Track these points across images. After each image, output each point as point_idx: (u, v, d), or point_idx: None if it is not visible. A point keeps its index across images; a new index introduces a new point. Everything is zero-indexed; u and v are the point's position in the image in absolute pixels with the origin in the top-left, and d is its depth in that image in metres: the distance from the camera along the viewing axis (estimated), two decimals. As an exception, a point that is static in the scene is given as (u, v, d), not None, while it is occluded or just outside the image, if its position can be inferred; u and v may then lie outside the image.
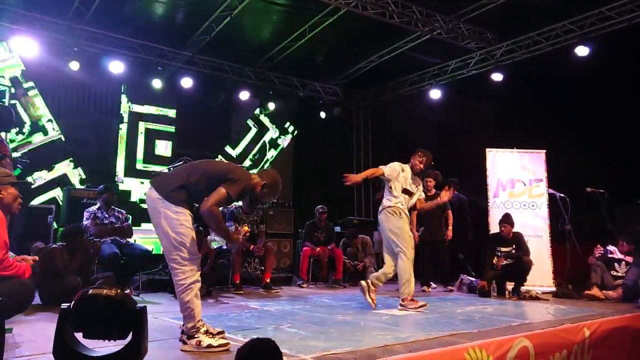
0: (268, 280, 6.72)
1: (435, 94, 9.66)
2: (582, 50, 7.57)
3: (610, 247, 6.61)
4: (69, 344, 2.41)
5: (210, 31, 8.14)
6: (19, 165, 5.37)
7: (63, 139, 8.30)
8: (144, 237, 7.80)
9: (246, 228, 3.76)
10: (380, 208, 5.36)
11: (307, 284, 7.38)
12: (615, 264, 6.48)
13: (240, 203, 7.35)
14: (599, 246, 6.71)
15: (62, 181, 8.14)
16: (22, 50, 7.52)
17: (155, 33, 8.34)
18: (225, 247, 3.87)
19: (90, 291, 2.42)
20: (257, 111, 10.67)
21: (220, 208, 3.47)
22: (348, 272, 7.87)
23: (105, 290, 2.41)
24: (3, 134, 5.07)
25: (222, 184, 3.28)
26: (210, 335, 3.22)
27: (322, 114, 10.76)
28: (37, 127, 8.10)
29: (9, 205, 3.23)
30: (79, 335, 2.44)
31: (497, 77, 8.56)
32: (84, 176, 8.36)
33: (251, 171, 4.22)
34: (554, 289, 7.02)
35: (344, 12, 7.63)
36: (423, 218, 7.31)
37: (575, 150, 7.55)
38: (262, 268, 7.01)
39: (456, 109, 9.25)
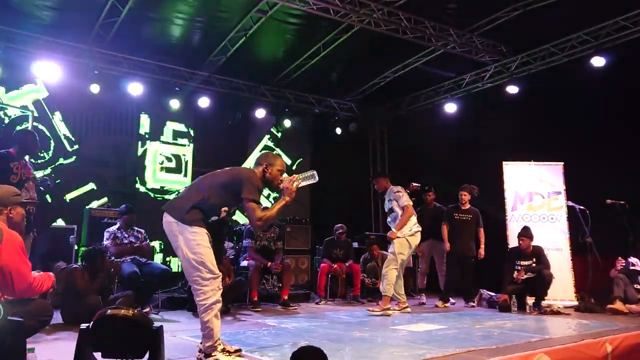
0: (286, 297, 6.73)
1: (450, 107, 9.61)
2: (598, 61, 7.48)
3: (633, 260, 6.49)
4: (88, 363, 2.47)
5: (226, 51, 8.29)
6: (41, 188, 5.49)
7: (85, 160, 8.46)
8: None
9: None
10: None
11: (324, 301, 7.35)
12: (639, 277, 6.37)
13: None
14: (620, 259, 6.59)
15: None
16: (45, 74, 7.70)
17: (173, 54, 8.51)
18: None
19: (109, 311, 2.48)
20: (273, 129, 10.78)
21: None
22: (367, 288, 7.83)
23: (122, 311, 2.47)
24: (27, 158, 5.20)
25: (242, 198, 3.38)
26: (227, 354, 3.27)
27: (338, 130, 10.81)
28: (59, 149, 8.29)
29: (18, 225, 3.31)
30: (97, 355, 2.50)
31: (512, 89, 8.48)
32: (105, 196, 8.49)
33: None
34: (575, 303, 6.89)
35: (357, 29, 7.71)
36: (455, 232, 7.27)
37: (593, 162, 7.43)
38: (280, 285, 7.03)
39: (472, 122, 9.22)
